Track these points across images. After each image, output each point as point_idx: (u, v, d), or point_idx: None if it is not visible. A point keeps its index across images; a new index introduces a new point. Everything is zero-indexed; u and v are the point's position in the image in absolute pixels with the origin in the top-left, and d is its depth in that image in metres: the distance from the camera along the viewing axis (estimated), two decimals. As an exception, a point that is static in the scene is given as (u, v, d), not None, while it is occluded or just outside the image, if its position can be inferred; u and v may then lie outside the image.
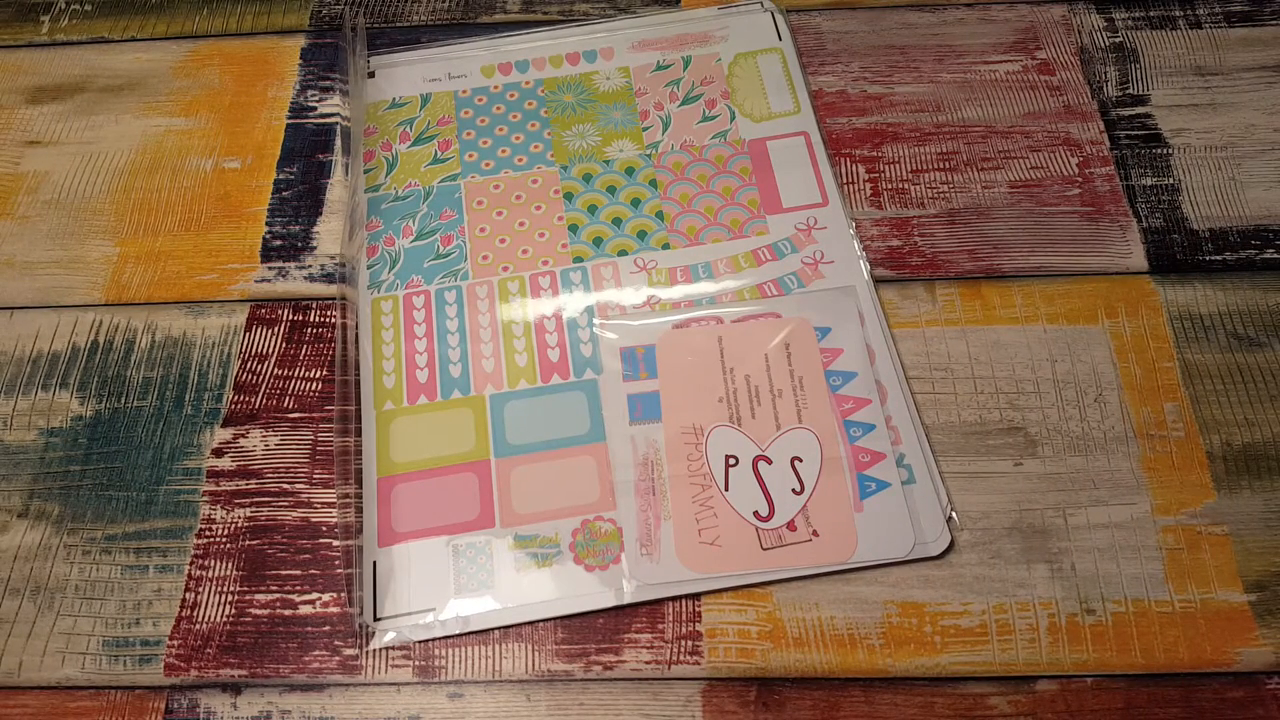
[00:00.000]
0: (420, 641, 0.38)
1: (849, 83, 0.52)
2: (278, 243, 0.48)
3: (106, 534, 0.40)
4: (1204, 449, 0.40)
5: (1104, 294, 0.44)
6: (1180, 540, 0.38)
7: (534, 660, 0.37)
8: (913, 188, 0.48)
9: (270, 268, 0.47)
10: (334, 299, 0.46)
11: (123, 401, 0.44)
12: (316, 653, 0.38)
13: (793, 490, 0.39)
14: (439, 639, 0.38)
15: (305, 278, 0.47)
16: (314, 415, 0.43)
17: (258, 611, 0.39)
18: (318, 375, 0.44)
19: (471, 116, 0.51)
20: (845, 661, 0.37)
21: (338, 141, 0.51)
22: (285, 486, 0.41)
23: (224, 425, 0.43)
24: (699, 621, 0.38)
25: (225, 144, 0.51)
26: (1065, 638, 0.37)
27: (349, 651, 0.38)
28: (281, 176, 0.50)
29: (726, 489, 0.40)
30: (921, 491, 0.39)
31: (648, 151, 0.49)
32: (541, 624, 0.38)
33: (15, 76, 0.55)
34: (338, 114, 0.52)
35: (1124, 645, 0.37)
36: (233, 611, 0.39)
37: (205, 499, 0.41)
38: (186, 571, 0.39)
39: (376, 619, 0.38)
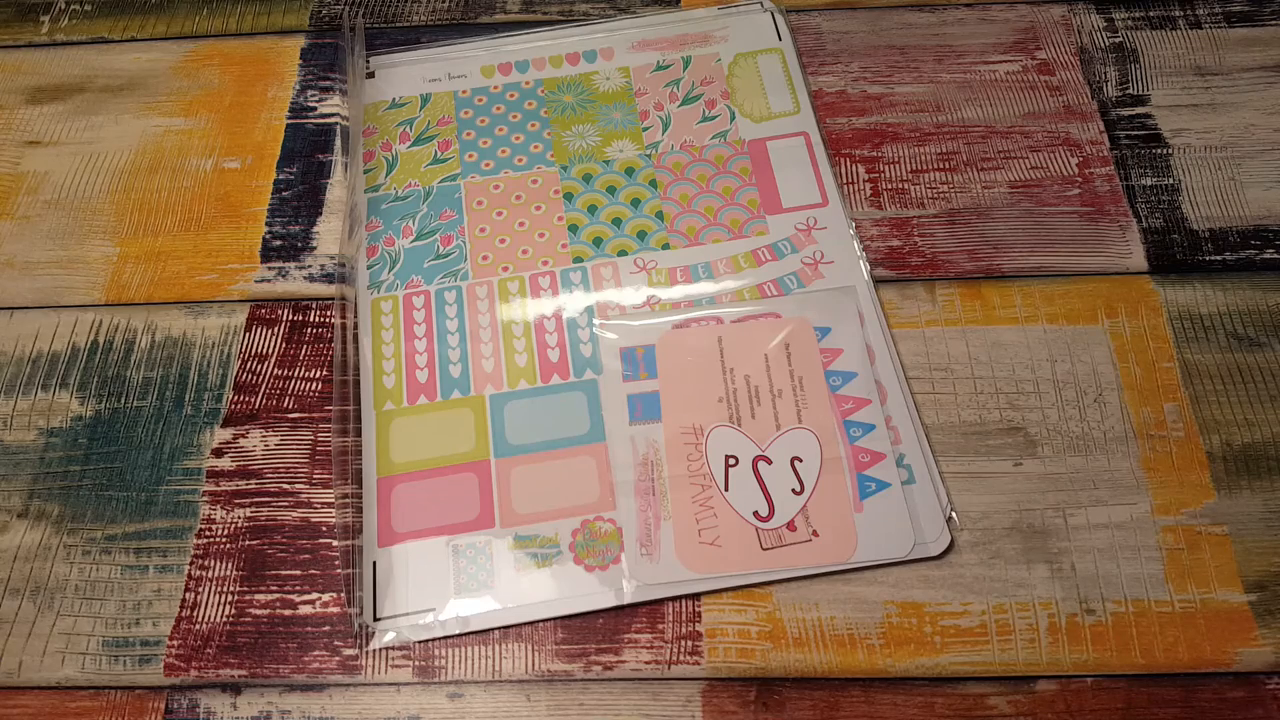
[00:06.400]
0: (420, 641, 0.38)
1: (849, 83, 0.52)
2: (278, 243, 0.48)
3: (106, 534, 0.40)
4: (1204, 449, 0.40)
5: (1104, 294, 0.44)
6: (1180, 540, 0.38)
7: (534, 660, 0.37)
8: (913, 188, 0.48)
9: (270, 268, 0.47)
10: (334, 299, 0.46)
11: (123, 401, 0.44)
12: (316, 653, 0.38)
13: (793, 490, 0.39)
14: (439, 639, 0.38)
15: (305, 278, 0.47)
16: (314, 415, 0.43)
17: (258, 611, 0.39)
18: (318, 375, 0.44)
19: (471, 117, 0.51)
20: (845, 661, 0.37)
21: (338, 141, 0.51)
22: (285, 486, 0.41)
23: (224, 425, 0.43)
24: (699, 621, 0.38)
25: (225, 144, 0.51)
26: (1065, 638, 0.37)
27: (349, 651, 0.38)
28: (281, 176, 0.50)
29: (726, 489, 0.40)
30: (921, 491, 0.39)
31: (648, 152, 0.49)
32: (541, 624, 0.38)
33: (15, 76, 0.55)
34: (338, 114, 0.52)
35: (1124, 645, 0.37)
36: (233, 611, 0.39)
37: (205, 499, 0.41)
38: (186, 571, 0.39)
39: (376, 619, 0.38)
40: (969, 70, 0.52)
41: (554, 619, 0.38)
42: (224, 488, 0.41)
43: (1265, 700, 0.35)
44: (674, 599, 0.38)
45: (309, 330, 0.45)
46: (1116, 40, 0.52)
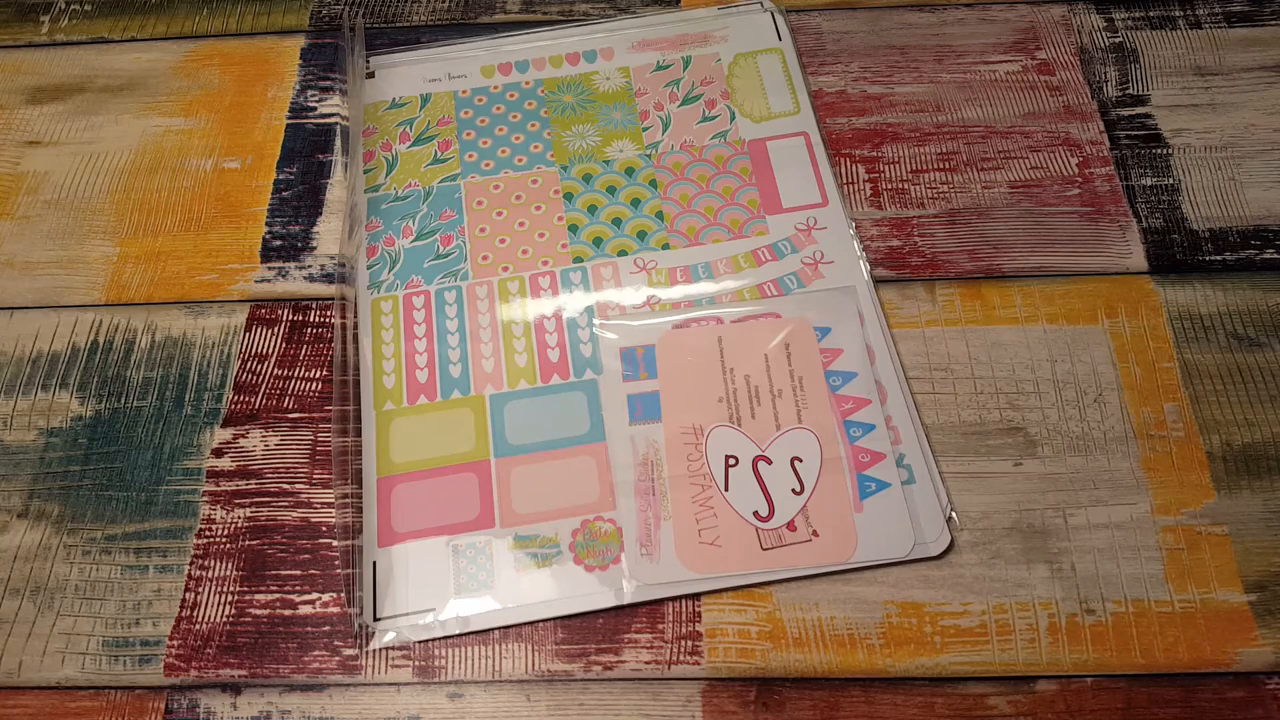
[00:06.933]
0: (420, 641, 0.38)
1: (849, 83, 0.52)
2: (278, 243, 0.48)
3: (106, 534, 0.40)
4: (1204, 449, 0.40)
5: (1104, 294, 0.44)
6: (1180, 540, 0.38)
7: (534, 660, 0.37)
8: (913, 188, 0.48)
9: (270, 268, 0.47)
10: (334, 299, 0.46)
11: (123, 401, 0.44)
12: (316, 653, 0.38)
13: (793, 490, 0.39)
14: (439, 639, 0.38)
15: (305, 278, 0.47)
16: (314, 415, 0.43)
17: (258, 611, 0.39)
18: (318, 375, 0.44)
19: (471, 116, 0.51)
20: (845, 661, 0.37)
21: (338, 141, 0.51)
22: (285, 487, 0.41)
23: (224, 425, 0.43)
24: (699, 621, 0.38)
25: (225, 144, 0.51)
26: (1065, 638, 0.37)
27: (349, 651, 0.38)
28: (281, 176, 0.50)
29: (726, 489, 0.40)
30: (921, 491, 0.39)
31: (648, 152, 0.49)
32: (541, 624, 0.38)
33: (15, 76, 0.55)
34: (338, 114, 0.52)
35: (1124, 645, 0.37)
36: (233, 611, 0.39)
37: (205, 499, 0.41)
38: (186, 571, 0.39)
39: (376, 619, 0.38)
40: (969, 70, 0.52)
41: (554, 619, 0.38)
42: (224, 488, 0.41)
43: (1265, 700, 0.35)
44: (674, 599, 0.38)
45: (309, 330, 0.45)
46: (1116, 40, 0.52)
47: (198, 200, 0.49)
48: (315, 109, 0.52)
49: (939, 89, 0.51)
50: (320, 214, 0.49)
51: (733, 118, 0.50)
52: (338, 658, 0.38)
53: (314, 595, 0.39)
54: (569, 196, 0.48)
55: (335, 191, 0.49)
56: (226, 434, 0.43)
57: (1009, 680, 0.36)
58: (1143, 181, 0.47)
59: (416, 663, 0.37)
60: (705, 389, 0.42)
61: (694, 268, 0.46)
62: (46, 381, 0.44)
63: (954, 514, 0.39)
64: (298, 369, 0.44)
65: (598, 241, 0.47)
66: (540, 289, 0.45)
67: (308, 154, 0.51)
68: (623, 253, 0.46)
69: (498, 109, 0.51)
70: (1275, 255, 0.45)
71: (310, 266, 0.47)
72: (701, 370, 0.42)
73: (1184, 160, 0.48)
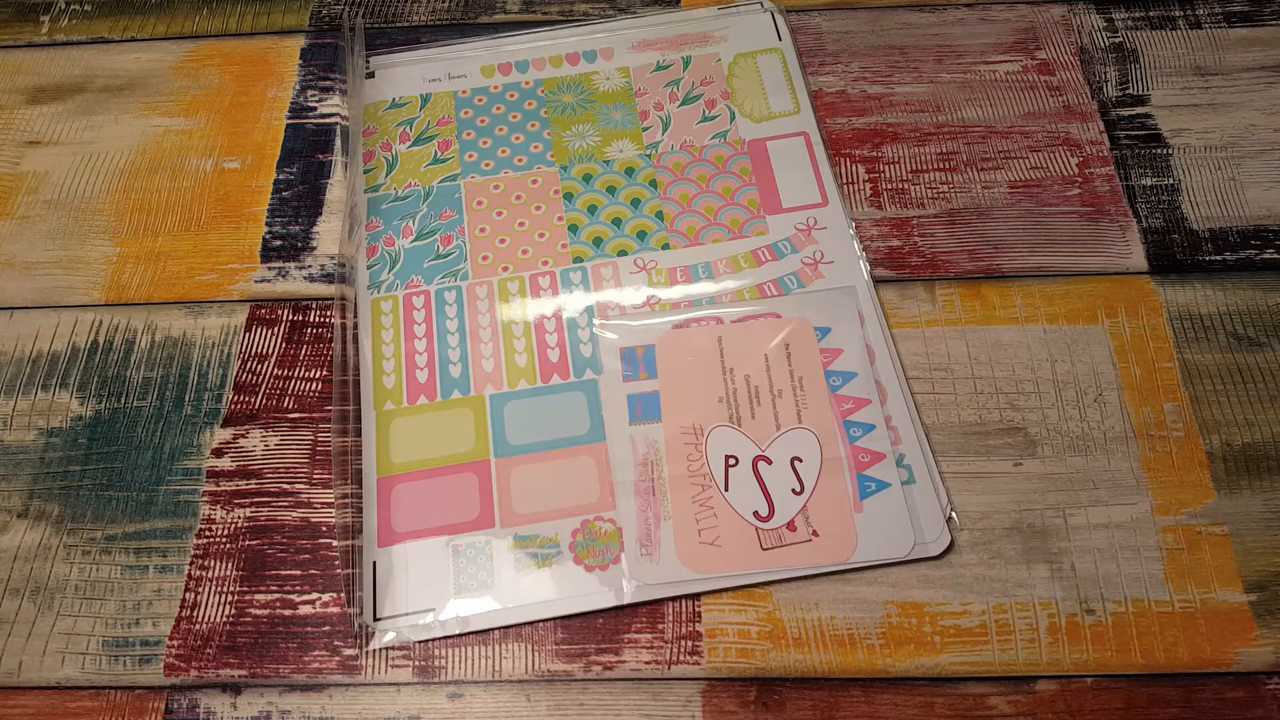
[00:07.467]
0: (420, 641, 0.38)
1: (849, 83, 0.52)
2: (278, 243, 0.48)
3: (106, 534, 0.40)
4: (1204, 449, 0.40)
5: (1104, 294, 0.44)
6: (1180, 540, 0.38)
7: (534, 660, 0.37)
8: (913, 188, 0.48)
9: (270, 268, 0.47)
10: (334, 299, 0.46)
11: (123, 401, 0.44)
12: (316, 653, 0.38)
13: (792, 490, 0.39)
14: (439, 639, 0.38)
15: (305, 278, 0.47)
16: (314, 415, 0.43)
17: (258, 611, 0.39)
18: (317, 375, 0.44)
19: (471, 117, 0.51)
20: (845, 661, 0.37)
21: (338, 141, 0.51)
22: (285, 487, 0.41)
23: (224, 425, 0.43)
24: (699, 621, 0.38)
25: (225, 144, 0.51)
26: (1065, 638, 0.37)
27: (349, 652, 0.38)
28: (281, 177, 0.50)
29: (726, 489, 0.40)
30: (921, 491, 0.39)
31: (647, 152, 0.49)
32: (541, 624, 0.38)
33: (15, 76, 0.55)
34: (337, 114, 0.52)
35: (1124, 645, 0.37)
36: (233, 611, 0.39)
37: (205, 499, 0.41)
38: (186, 571, 0.39)
39: (376, 619, 0.38)
40: (969, 70, 0.52)
41: (554, 619, 0.38)
42: (224, 488, 0.41)
43: (1265, 700, 0.35)
44: (674, 599, 0.38)
45: (309, 330, 0.45)
46: (1116, 40, 0.52)
47: (198, 200, 0.49)
48: (315, 109, 0.52)
49: (939, 89, 0.51)
50: (320, 214, 0.49)
51: (733, 118, 0.50)
52: (338, 658, 0.38)
53: (314, 595, 0.39)
54: (569, 196, 0.48)
55: (335, 191, 0.49)
56: (226, 434, 0.43)
57: (1009, 680, 0.36)
58: (1143, 181, 0.47)
59: (416, 663, 0.37)
60: (705, 389, 0.42)
61: (694, 268, 0.46)
62: (46, 381, 0.44)
63: (954, 514, 0.39)
64: (298, 369, 0.44)
65: (598, 241, 0.47)
66: (540, 289, 0.45)
67: (308, 154, 0.51)
68: (623, 253, 0.46)
69: (498, 109, 0.51)
70: (1275, 255, 0.45)
71: (310, 266, 0.47)
72: (701, 370, 0.42)
73: (1184, 160, 0.48)
